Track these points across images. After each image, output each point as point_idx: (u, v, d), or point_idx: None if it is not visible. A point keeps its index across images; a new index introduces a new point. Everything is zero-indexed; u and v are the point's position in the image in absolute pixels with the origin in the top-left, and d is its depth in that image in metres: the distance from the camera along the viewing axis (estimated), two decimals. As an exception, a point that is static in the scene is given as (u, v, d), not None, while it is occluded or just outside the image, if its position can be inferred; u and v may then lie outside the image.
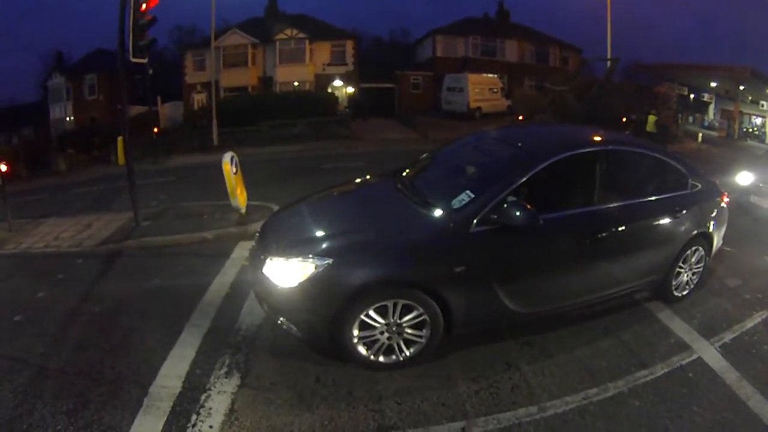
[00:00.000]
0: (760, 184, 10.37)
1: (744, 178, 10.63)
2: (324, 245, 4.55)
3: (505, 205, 4.50)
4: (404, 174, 6.08)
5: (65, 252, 8.31)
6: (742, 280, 7.05)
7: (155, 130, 25.54)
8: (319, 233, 4.85)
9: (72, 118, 44.10)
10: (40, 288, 6.73)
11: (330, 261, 4.31)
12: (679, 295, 6.18)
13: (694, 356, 5.09)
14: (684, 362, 4.98)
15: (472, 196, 4.71)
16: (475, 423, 4.02)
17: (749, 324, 5.84)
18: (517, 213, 4.41)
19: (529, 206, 4.49)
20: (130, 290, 6.60)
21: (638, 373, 4.75)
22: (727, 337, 5.52)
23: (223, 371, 4.66)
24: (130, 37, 8.59)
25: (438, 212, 4.73)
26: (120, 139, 10.09)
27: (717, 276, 7.07)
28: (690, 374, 4.80)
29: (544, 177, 4.90)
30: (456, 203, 4.72)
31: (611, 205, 5.20)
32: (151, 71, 26.47)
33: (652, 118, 29.00)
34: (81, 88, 45.10)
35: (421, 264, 4.43)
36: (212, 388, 4.43)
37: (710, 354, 5.15)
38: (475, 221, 4.51)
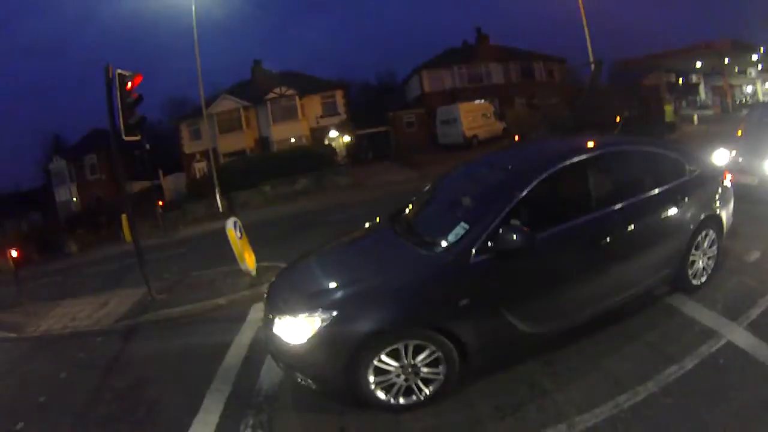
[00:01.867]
0: (740, 159, 9.73)
1: (720, 156, 9.59)
2: (328, 298, 4.54)
3: (501, 231, 4.45)
4: (401, 216, 6.09)
5: (84, 331, 8.43)
6: (760, 252, 6.91)
7: (160, 203, 25.89)
8: (323, 287, 4.84)
9: (77, 199, 44.88)
10: (62, 368, 6.82)
11: (335, 313, 4.29)
12: (698, 282, 6.05)
13: (723, 341, 4.95)
14: (713, 349, 4.84)
15: (467, 227, 4.69)
16: (505, 451, 3.93)
17: (776, 294, 5.69)
18: (514, 237, 4.37)
19: (525, 228, 4.46)
20: (150, 363, 6.67)
21: (667, 370, 4.60)
22: (754, 313, 5.37)
23: (248, 432, 4.61)
24: (120, 117, 8.71)
25: (436, 249, 4.71)
26: (124, 216, 10.25)
27: (734, 255, 6.91)
28: (721, 360, 4.67)
29: (537, 195, 4.88)
30: (452, 237, 4.69)
31: (610, 209, 5.14)
32: (148, 146, 27.01)
33: (669, 108, 29.32)
34: (82, 169, 46.33)
35: (425, 303, 4.39)
36: (239, 451, 4.37)
37: (739, 335, 5.01)
38: (473, 251, 4.47)
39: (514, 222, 4.58)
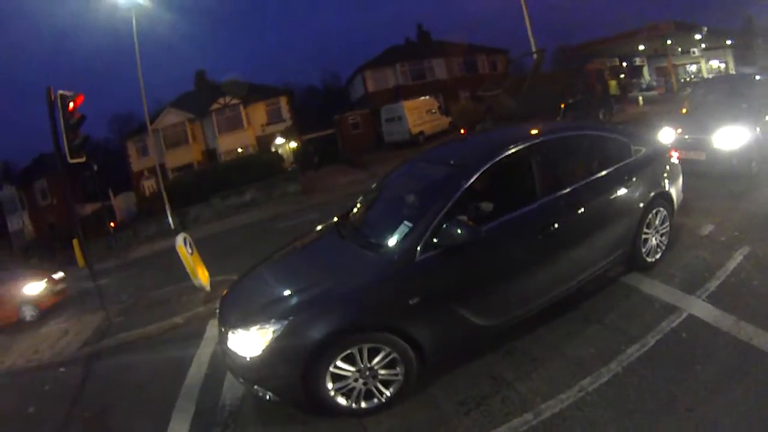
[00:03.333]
0: (686, 136, 9.84)
1: (666, 134, 10.05)
2: (277, 308, 4.43)
3: (445, 227, 4.43)
4: (346, 219, 6.03)
5: (47, 363, 8.24)
6: (713, 226, 7.03)
7: (112, 224, 25.24)
8: (273, 297, 4.73)
9: (30, 226, 43.54)
10: (29, 404, 6.65)
11: (286, 323, 4.21)
12: (652, 260, 6.12)
13: (684, 315, 5.02)
14: (675, 324, 4.90)
15: (410, 225, 4.65)
16: (472, 446, 3.88)
17: (732, 265, 5.81)
18: (458, 231, 4.35)
19: (469, 221, 4.44)
20: (114, 388, 6.54)
21: (629, 349, 4.63)
22: (713, 285, 5.46)
23: (216, 451, 4.49)
24: (64, 138, 8.50)
25: (381, 250, 4.67)
26: (75, 242, 10.07)
27: (687, 230, 7.05)
28: (684, 334, 4.72)
29: (481, 187, 4.88)
30: (396, 236, 4.65)
31: (556, 195, 5.13)
32: (95, 167, 26.41)
33: (613, 83, 29.88)
34: (33, 195, 44.85)
35: (374, 305, 4.34)
36: (209, 470, 4.27)
37: (700, 307, 5.08)
38: (418, 249, 4.43)
39: (460, 217, 4.54)
